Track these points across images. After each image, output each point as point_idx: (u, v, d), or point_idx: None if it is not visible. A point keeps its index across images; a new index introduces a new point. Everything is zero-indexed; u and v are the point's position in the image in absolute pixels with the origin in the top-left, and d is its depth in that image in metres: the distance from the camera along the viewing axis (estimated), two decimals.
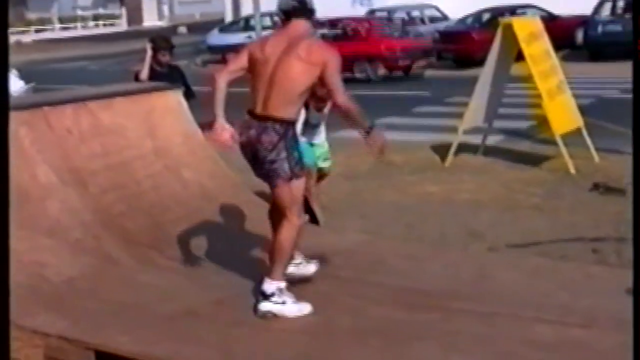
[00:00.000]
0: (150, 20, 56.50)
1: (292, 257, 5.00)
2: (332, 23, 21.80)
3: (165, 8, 58.97)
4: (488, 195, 8.12)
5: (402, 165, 9.73)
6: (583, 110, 10.07)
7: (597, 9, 22.18)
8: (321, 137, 6.81)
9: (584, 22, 22.50)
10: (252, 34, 20.77)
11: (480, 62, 10.70)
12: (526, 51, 9.06)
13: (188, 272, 5.43)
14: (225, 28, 30.86)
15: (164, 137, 6.71)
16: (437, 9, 26.35)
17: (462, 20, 24.11)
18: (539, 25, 9.74)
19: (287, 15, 4.64)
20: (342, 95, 4.44)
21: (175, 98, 7.12)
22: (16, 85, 11.95)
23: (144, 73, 8.60)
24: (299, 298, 4.67)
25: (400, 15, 25.37)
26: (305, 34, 4.65)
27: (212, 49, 28.65)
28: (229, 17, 35.46)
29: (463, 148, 9.87)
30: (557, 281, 5.11)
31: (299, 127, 5.18)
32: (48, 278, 5.04)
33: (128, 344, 4.28)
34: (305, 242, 5.03)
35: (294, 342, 4.33)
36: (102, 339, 4.35)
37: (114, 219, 5.84)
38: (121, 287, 5.12)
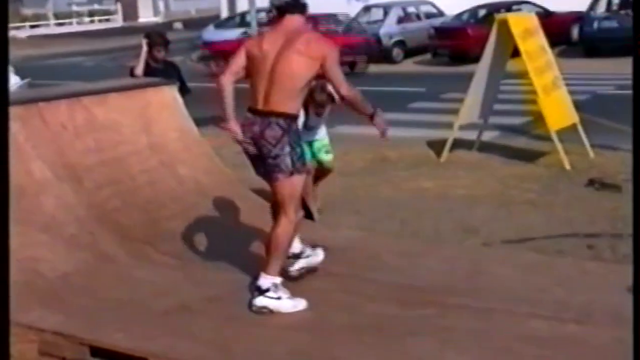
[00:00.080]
0: (146, 16, 56.43)
1: (301, 253, 5.09)
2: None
3: (161, 4, 58.90)
4: (483, 191, 8.12)
5: (397, 161, 9.73)
6: (578, 106, 10.08)
7: (593, 5, 22.19)
8: (321, 133, 6.84)
9: (579, 18, 22.51)
10: (248, 29, 20.74)
11: (475, 59, 10.68)
12: (522, 47, 9.06)
13: (183, 268, 5.42)
14: (220, 24, 30.79)
15: (159, 133, 6.70)
16: (433, 5, 26.31)
17: (458, 17, 24.09)
18: (534, 21, 9.74)
19: (280, 11, 4.66)
20: (345, 87, 4.54)
21: (170, 94, 7.11)
22: (11, 80, 11.91)
23: (139, 69, 8.59)
24: (294, 294, 4.68)
25: (396, 11, 25.34)
26: (301, 29, 4.68)
27: (208, 45, 28.57)
28: (224, 13, 35.40)
29: (458, 144, 9.87)
30: (553, 277, 5.12)
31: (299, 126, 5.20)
32: (43, 273, 5.03)
33: (123, 340, 4.28)
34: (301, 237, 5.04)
35: (288, 338, 4.33)
36: (97, 335, 4.35)
37: (108, 215, 5.83)
38: (116, 283, 5.12)
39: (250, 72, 4.65)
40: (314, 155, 6.79)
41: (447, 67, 22.13)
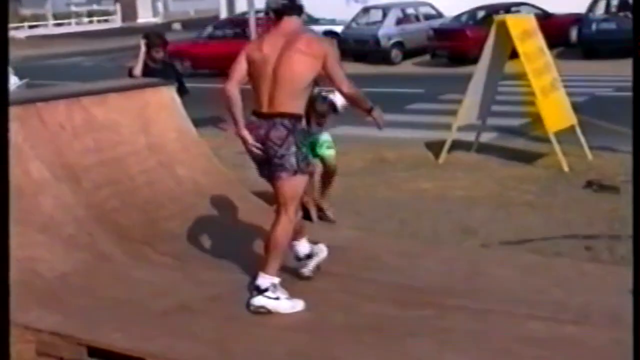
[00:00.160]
0: (145, 16, 56.42)
1: (311, 253, 5.12)
2: (232, 22, 24.41)
3: (160, 4, 58.91)
4: (482, 192, 8.13)
5: (396, 162, 9.74)
6: (577, 108, 10.09)
7: (592, 7, 22.20)
8: (323, 134, 6.87)
9: (578, 20, 22.52)
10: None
11: (474, 60, 10.68)
12: (520, 49, 9.07)
13: (182, 268, 5.42)
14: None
15: (158, 133, 6.70)
16: (432, 7, 26.31)
17: (457, 18, 24.10)
18: (532, 23, 9.75)
19: (278, 13, 4.71)
20: (346, 84, 4.64)
21: (168, 94, 7.11)
22: (10, 81, 11.90)
23: (138, 69, 8.59)
24: (293, 294, 4.68)
25: (395, 12, 25.35)
26: (300, 30, 4.75)
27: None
28: (223, 14, 35.40)
29: (457, 145, 9.88)
30: (551, 278, 5.12)
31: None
32: (41, 274, 5.03)
33: (121, 340, 4.27)
34: None
35: (287, 338, 4.33)
36: (95, 335, 4.34)
37: (107, 215, 5.83)
38: (114, 283, 5.11)
39: (252, 75, 4.69)
40: (315, 152, 6.78)
41: (445, 68, 22.15)
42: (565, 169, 8.83)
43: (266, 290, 4.58)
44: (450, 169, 9.28)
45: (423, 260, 5.59)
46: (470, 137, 10.08)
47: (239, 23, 23.22)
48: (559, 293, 4.79)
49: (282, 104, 4.56)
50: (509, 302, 4.67)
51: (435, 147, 10.07)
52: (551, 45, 11.28)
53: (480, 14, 23.18)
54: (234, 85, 4.68)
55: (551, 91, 9.45)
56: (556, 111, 9.40)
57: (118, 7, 57.81)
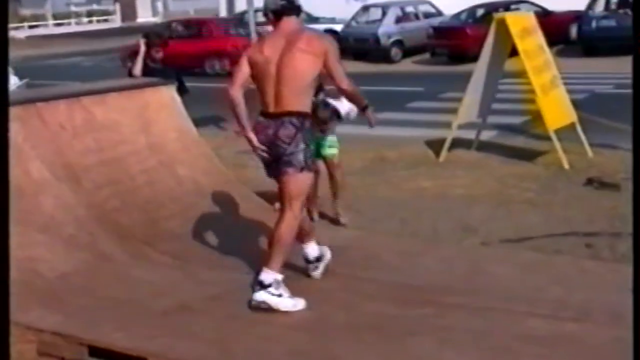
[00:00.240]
0: (144, 16, 56.36)
1: (321, 256, 5.14)
2: (186, 23, 25.71)
3: (160, 4, 58.83)
4: (482, 190, 8.13)
5: (396, 161, 9.74)
6: (577, 105, 10.08)
7: (591, 4, 22.18)
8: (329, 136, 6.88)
9: (578, 17, 22.49)
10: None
11: (474, 58, 10.67)
12: (520, 46, 9.06)
13: (182, 268, 5.43)
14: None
15: (158, 133, 6.70)
16: (432, 5, 26.30)
17: (456, 16, 24.09)
18: (532, 21, 9.75)
19: (277, 14, 4.77)
20: (345, 81, 4.72)
21: (168, 94, 7.11)
22: (10, 81, 11.90)
23: (138, 69, 8.60)
24: (294, 293, 4.68)
25: (394, 10, 25.35)
26: (299, 29, 4.82)
27: None
28: (223, 13, 35.43)
29: (457, 143, 9.88)
30: (551, 276, 5.12)
31: None
32: (42, 274, 5.03)
33: (122, 340, 4.27)
34: None
35: (288, 337, 4.33)
36: (96, 335, 4.34)
37: (108, 215, 5.83)
38: (115, 283, 5.12)
39: (255, 77, 4.75)
40: (318, 152, 6.78)
41: (445, 66, 22.13)
42: (566, 166, 8.83)
43: (269, 286, 4.58)
44: (451, 167, 9.28)
45: (423, 259, 5.60)
46: (470, 135, 10.08)
47: (194, 23, 25.48)
48: (559, 291, 4.79)
49: (289, 103, 4.62)
50: (509, 300, 4.68)
51: (435, 146, 10.07)
52: (551, 42, 11.28)
53: (480, 12, 23.18)
54: (237, 89, 4.74)
55: (551, 89, 9.45)
56: (556, 109, 9.40)
57: (117, 6, 57.77)
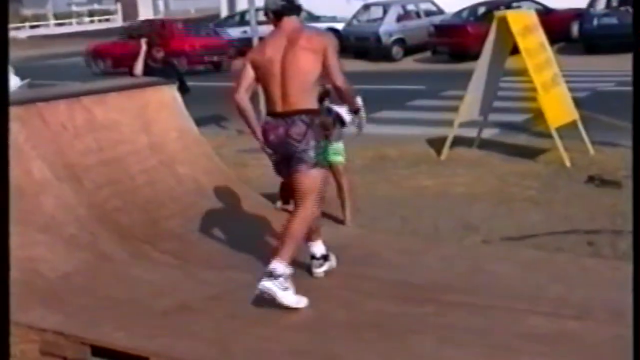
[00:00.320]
0: (146, 15, 56.28)
1: (328, 255, 5.17)
2: (147, 23, 27.38)
3: (161, 3, 58.86)
4: (483, 188, 8.12)
5: (397, 159, 9.73)
6: (578, 103, 10.07)
7: (593, 2, 22.18)
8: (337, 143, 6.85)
9: (579, 15, 22.49)
10: (247, 28, 20.83)
11: (475, 56, 10.66)
12: (521, 44, 9.05)
13: (183, 267, 5.43)
14: (220, 23, 30.82)
15: (159, 133, 6.71)
16: (433, 3, 26.32)
17: (458, 14, 24.09)
18: (533, 18, 9.74)
19: (277, 15, 4.81)
20: (341, 78, 4.73)
21: (169, 93, 7.12)
22: (11, 81, 11.90)
23: (138, 68, 8.61)
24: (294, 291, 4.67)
25: (395, 9, 25.35)
26: (300, 28, 4.85)
27: None
28: (224, 12, 35.42)
29: (458, 141, 9.87)
30: (552, 273, 5.12)
31: None
32: (43, 273, 5.04)
33: (123, 339, 4.28)
34: None
35: (288, 336, 4.33)
36: (98, 334, 4.35)
37: (108, 214, 5.84)
38: (116, 282, 5.12)
39: (260, 79, 4.79)
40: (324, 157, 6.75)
41: (446, 64, 22.13)
42: (567, 164, 8.82)
43: (280, 276, 4.51)
44: (452, 165, 9.28)
45: (424, 257, 5.60)
46: (471, 133, 10.07)
47: (149, 24, 27.22)
48: (560, 288, 4.79)
49: (296, 101, 4.66)
50: (510, 298, 4.67)
51: (436, 144, 10.06)
52: (552, 40, 11.27)
53: (481, 9, 23.19)
54: (243, 93, 4.79)
55: (552, 86, 9.44)
56: (558, 106, 9.39)
57: (119, 6, 57.76)
